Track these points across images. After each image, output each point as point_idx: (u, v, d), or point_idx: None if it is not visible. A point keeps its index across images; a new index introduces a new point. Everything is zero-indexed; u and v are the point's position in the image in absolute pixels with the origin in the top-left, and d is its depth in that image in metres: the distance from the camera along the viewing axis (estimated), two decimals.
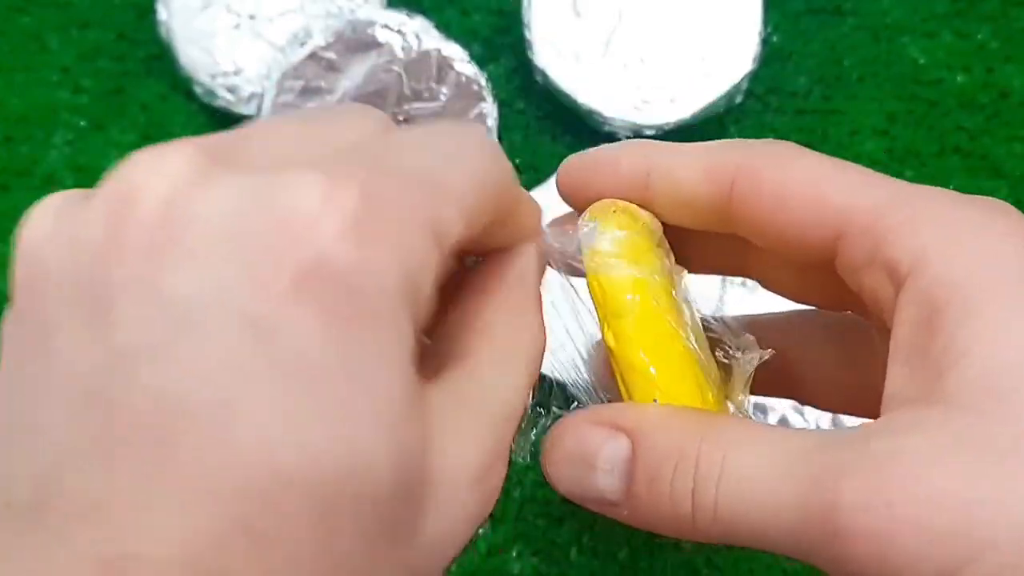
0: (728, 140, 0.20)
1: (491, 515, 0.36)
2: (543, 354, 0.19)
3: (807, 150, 0.19)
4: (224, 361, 0.13)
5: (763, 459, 0.16)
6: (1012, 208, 0.17)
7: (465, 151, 0.17)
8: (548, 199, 0.36)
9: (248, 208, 0.14)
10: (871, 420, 0.17)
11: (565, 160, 0.21)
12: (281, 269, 0.13)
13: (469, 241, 0.16)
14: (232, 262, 0.14)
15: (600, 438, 0.18)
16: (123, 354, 0.13)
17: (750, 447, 0.16)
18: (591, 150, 0.21)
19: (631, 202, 0.20)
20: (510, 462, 0.18)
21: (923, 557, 0.15)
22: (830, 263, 0.18)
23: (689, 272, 0.21)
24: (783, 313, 0.23)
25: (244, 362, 0.13)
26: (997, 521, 0.14)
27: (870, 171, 0.18)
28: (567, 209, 0.33)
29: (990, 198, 0.18)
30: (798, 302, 0.22)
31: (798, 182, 0.18)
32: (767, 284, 0.22)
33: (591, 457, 0.18)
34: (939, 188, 0.18)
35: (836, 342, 0.22)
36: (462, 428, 0.16)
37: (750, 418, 0.19)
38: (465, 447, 0.16)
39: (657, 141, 0.20)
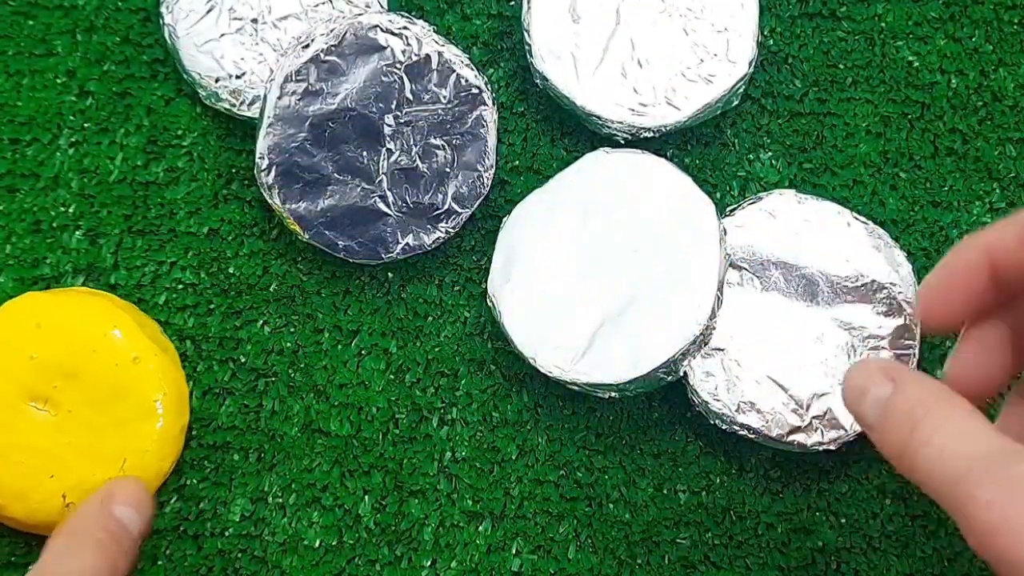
0: None
1: (491, 512, 0.37)
2: None
3: None
4: None
5: (970, 425, 0.23)
6: None
7: None
8: (548, 201, 0.37)
9: None
10: None
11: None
12: None
13: None
14: None
15: (875, 378, 0.25)
16: None
17: (965, 418, 0.23)
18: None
19: None
20: None
21: None
22: None
23: None
24: None
25: None
26: None
27: None
28: (563, 215, 0.34)
29: None
30: None
31: None
32: None
33: (866, 391, 0.25)
34: None
35: None
36: None
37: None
38: None
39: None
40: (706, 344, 0.34)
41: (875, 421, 0.25)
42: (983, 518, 0.21)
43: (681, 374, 0.34)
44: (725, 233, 0.34)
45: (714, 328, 0.34)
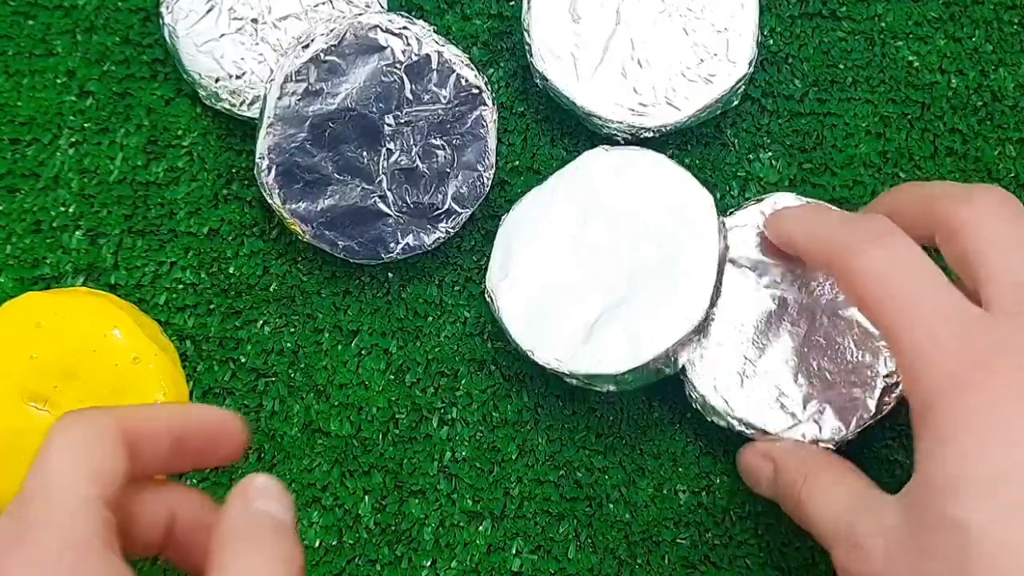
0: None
1: (491, 512, 0.37)
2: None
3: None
4: None
5: (831, 493, 0.30)
6: None
7: None
8: (547, 197, 0.37)
9: None
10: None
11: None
12: None
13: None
14: None
15: (759, 462, 0.33)
16: None
17: (827, 486, 0.30)
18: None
19: None
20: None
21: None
22: None
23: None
24: None
25: None
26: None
27: None
28: (562, 212, 0.34)
29: None
30: None
31: None
32: None
33: (756, 473, 0.33)
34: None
35: None
36: None
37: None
38: None
39: None
40: (704, 336, 0.34)
41: (772, 493, 0.32)
42: (845, 569, 0.28)
43: (680, 367, 0.34)
44: (724, 226, 0.34)
45: (713, 319, 0.34)
